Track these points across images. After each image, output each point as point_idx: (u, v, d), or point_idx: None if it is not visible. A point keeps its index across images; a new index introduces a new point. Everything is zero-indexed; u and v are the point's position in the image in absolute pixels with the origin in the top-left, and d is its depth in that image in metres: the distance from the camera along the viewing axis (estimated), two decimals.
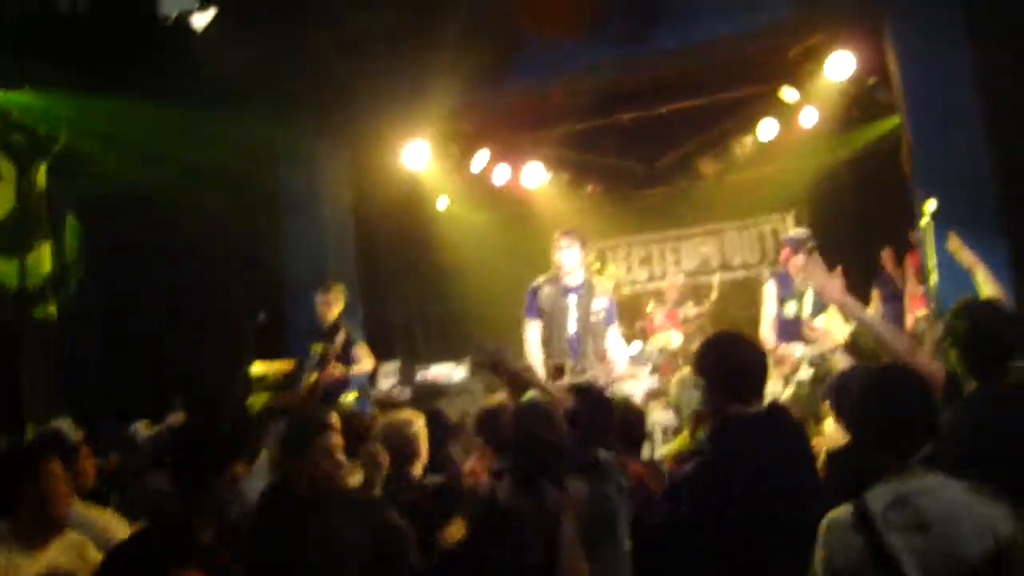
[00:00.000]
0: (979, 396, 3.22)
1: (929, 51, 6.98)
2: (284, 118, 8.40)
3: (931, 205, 5.64)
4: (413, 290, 10.73)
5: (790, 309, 6.85)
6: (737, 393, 3.29)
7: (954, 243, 5.06)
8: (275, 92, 8.09)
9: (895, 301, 8.51)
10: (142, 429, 5.90)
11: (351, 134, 8.89)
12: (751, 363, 3.38)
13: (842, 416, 3.60)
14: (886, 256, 8.86)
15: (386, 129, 8.87)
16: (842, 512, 2.49)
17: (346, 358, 7.39)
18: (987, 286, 4.69)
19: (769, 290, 7.10)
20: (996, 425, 3.05)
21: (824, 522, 2.52)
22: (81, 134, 8.44)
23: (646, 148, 11.27)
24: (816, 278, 4.36)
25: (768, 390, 5.76)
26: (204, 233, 8.50)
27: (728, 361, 3.35)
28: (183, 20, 7.54)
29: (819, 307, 6.61)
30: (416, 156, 9.34)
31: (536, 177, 11.17)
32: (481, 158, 10.33)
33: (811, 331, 6.61)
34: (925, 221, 5.68)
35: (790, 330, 6.81)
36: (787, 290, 6.93)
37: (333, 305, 7.54)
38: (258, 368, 7.87)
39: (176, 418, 5.97)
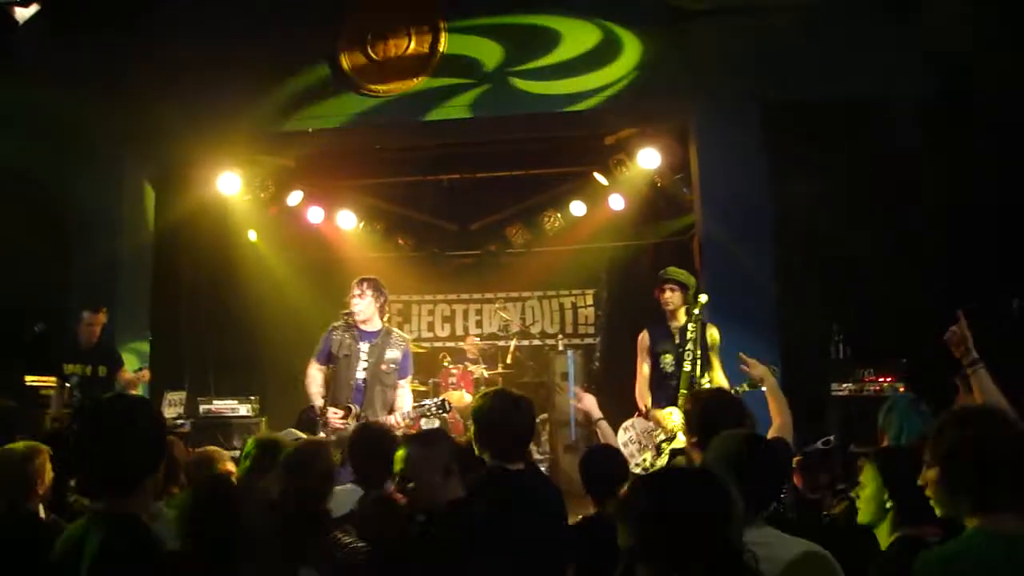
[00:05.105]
0: None
1: (726, 158, 7.53)
2: (90, 128, 8.09)
3: (703, 299, 6.01)
4: (210, 320, 10.40)
5: (668, 364, 6.04)
6: (502, 450, 3.50)
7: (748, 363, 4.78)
8: (85, 102, 7.80)
9: None
10: None
11: (161, 156, 8.65)
12: (522, 425, 3.57)
13: None
14: None
15: (199, 156, 8.70)
16: None
17: (110, 384, 7.17)
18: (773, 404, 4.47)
19: (642, 342, 6.26)
20: None
21: None
22: None
23: (460, 211, 11.52)
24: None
25: (642, 460, 5.71)
26: None
27: (502, 420, 3.52)
28: (5, 9, 7.11)
29: (706, 364, 5.89)
30: (228, 186, 9.19)
31: (348, 223, 11.19)
32: (295, 197, 10.26)
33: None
34: (697, 313, 6.04)
35: (668, 389, 5.98)
36: (663, 342, 6.14)
37: (98, 327, 7.29)
38: (30, 381, 7.46)
39: None
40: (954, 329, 3.56)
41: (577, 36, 7.75)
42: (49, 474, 3.88)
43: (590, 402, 4.82)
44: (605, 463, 4.18)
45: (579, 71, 7.69)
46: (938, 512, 2.62)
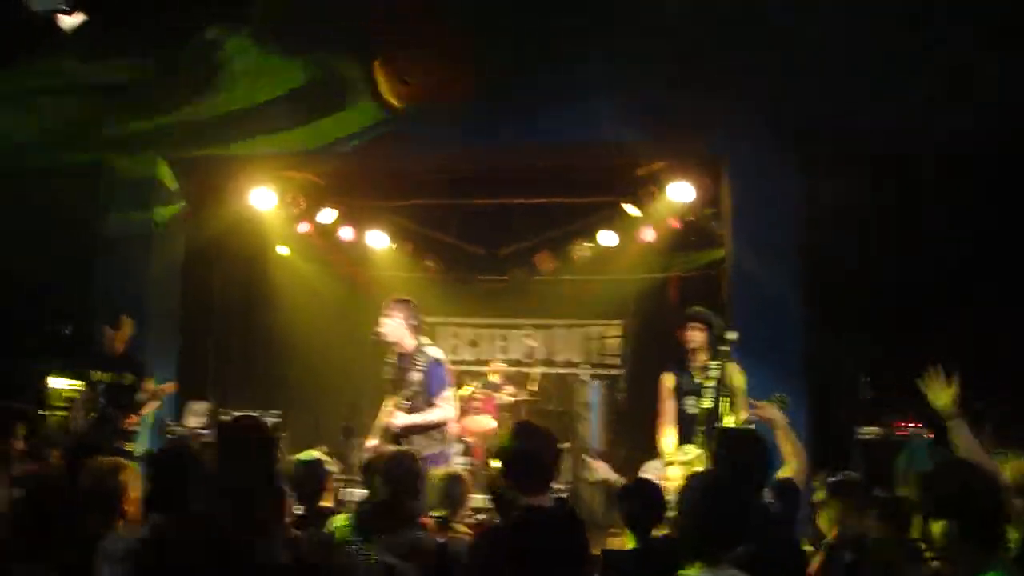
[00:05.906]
0: None
1: (759, 196, 7.47)
2: (122, 140, 8.24)
3: (731, 335, 5.96)
4: (238, 332, 10.47)
5: (691, 405, 6.04)
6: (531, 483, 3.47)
7: (757, 406, 4.89)
8: (119, 114, 7.94)
9: None
10: None
11: (193, 170, 8.73)
12: (549, 455, 3.56)
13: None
14: None
15: (231, 170, 8.78)
16: None
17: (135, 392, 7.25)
18: (785, 445, 4.53)
19: (665, 385, 6.25)
20: None
21: None
22: None
23: (489, 235, 11.49)
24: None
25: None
26: (19, 239, 8.10)
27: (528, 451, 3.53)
28: (50, 18, 7.21)
29: (730, 403, 5.79)
30: (260, 201, 9.26)
31: (379, 243, 11.23)
32: (326, 214, 10.31)
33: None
34: (725, 350, 5.97)
35: (689, 427, 5.99)
36: (686, 382, 6.16)
37: (120, 342, 7.36)
38: (55, 381, 7.56)
39: None
40: (932, 380, 3.62)
41: None
42: (135, 491, 3.81)
43: (604, 469, 4.84)
44: (644, 499, 4.15)
45: None
46: (943, 566, 2.72)
